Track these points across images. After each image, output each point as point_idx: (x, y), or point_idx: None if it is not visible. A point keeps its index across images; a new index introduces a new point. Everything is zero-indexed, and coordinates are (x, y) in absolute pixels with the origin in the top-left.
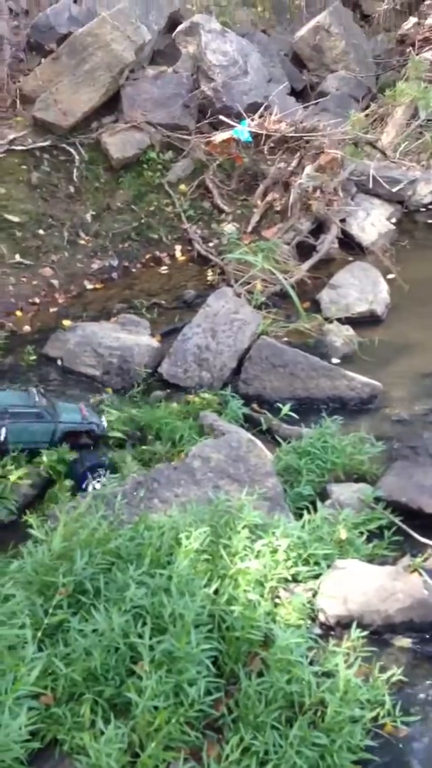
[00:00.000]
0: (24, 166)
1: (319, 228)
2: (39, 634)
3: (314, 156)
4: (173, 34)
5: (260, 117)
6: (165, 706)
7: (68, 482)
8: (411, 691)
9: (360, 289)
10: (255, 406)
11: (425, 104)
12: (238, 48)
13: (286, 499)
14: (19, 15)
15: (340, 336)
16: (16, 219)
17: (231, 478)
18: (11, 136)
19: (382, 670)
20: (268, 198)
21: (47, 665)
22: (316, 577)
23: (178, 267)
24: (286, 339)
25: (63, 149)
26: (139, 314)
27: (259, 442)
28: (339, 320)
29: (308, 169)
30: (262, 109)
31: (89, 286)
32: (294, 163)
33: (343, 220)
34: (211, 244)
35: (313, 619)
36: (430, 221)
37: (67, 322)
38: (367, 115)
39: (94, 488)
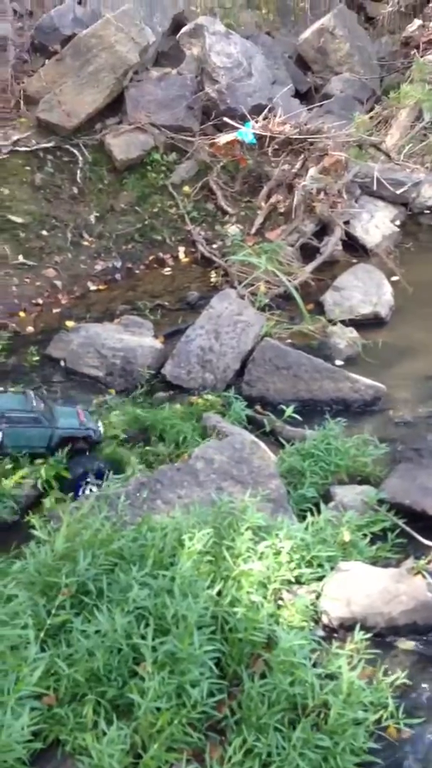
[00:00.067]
0: (28, 167)
1: (323, 230)
2: (42, 634)
3: (318, 158)
4: (177, 36)
5: (264, 119)
6: (167, 707)
7: (59, 495)
8: (414, 694)
9: (364, 291)
10: (258, 407)
11: (429, 106)
12: (242, 50)
13: (290, 500)
14: (24, 16)
15: (344, 338)
16: (19, 220)
17: (234, 480)
18: (15, 137)
19: (386, 672)
20: (272, 200)
21: (50, 666)
22: (320, 579)
23: (181, 268)
24: (289, 341)
25: (67, 150)
26: (142, 315)
27: (262, 444)
28: (343, 322)
29: (312, 171)
30: (266, 111)
31: (92, 287)
32: (298, 165)
33: (347, 222)
34: (214, 246)
35: (317, 621)
36: None
37: (70, 323)
38: (371, 117)
39: (89, 493)
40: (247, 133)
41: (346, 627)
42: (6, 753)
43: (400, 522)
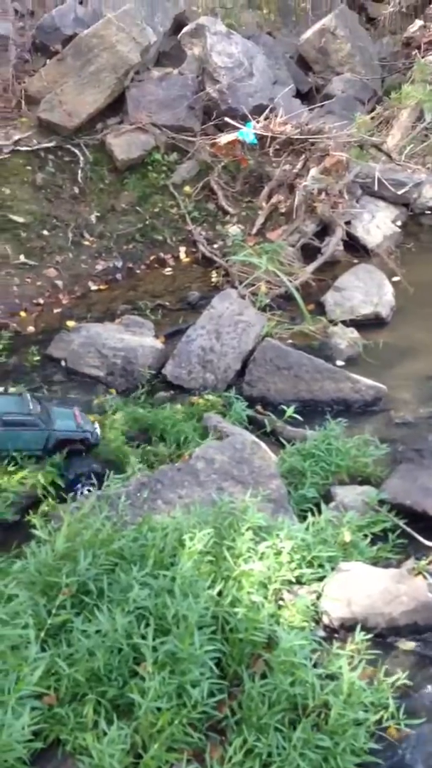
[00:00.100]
0: (29, 167)
1: (324, 230)
2: (42, 634)
3: (319, 158)
4: (179, 36)
5: (265, 119)
6: (168, 707)
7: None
8: (415, 694)
9: (365, 291)
10: (259, 407)
11: (431, 107)
12: (243, 50)
13: (290, 501)
14: (25, 16)
15: (345, 338)
16: (20, 219)
17: (235, 480)
18: (16, 137)
19: (386, 673)
20: (273, 200)
21: (50, 665)
22: (320, 579)
23: (182, 268)
24: (290, 341)
25: (68, 150)
26: (143, 315)
27: (263, 444)
28: (343, 322)
29: (313, 171)
30: (267, 111)
31: (93, 287)
32: (299, 166)
33: (348, 223)
34: (215, 246)
35: (317, 622)
36: None
37: (71, 323)
38: (372, 118)
39: (84, 495)
40: (248, 133)
41: (347, 627)
42: (6, 752)
43: (401, 522)
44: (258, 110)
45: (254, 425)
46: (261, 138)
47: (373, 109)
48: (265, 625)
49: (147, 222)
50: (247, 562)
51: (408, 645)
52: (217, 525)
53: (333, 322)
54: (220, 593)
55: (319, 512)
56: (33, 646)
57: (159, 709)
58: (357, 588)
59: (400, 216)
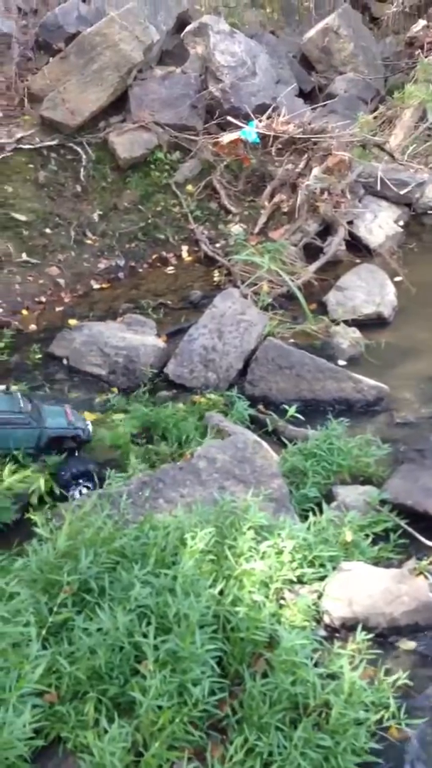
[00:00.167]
0: (31, 165)
1: (327, 230)
2: (43, 632)
3: (322, 158)
4: (182, 35)
5: (268, 118)
6: (169, 705)
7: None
8: (416, 694)
9: (367, 291)
10: (261, 407)
11: None
12: (246, 49)
13: (292, 500)
14: (28, 14)
15: (347, 338)
16: (23, 218)
17: (236, 479)
18: (19, 135)
19: (387, 672)
20: (276, 199)
21: (51, 663)
22: (322, 579)
23: (184, 267)
24: (292, 340)
25: (70, 148)
26: (145, 314)
27: (264, 444)
28: (346, 322)
29: (316, 170)
30: (270, 110)
31: (96, 286)
32: (302, 165)
33: (350, 222)
34: (217, 245)
35: (318, 621)
36: None
37: (73, 322)
38: (375, 118)
39: (81, 495)
40: (250, 132)
41: (348, 627)
42: (7, 750)
43: (403, 522)
44: (261, 109)
45: (256, 424)
46: (263, 137)
47: (375, 109)
48: (267, 624)
49: (149, 221)
50: (249, 562)
51: (409, 645)
52: (218, 524)
53: (335, 322)
54: (221, 592)
55: (321, 512)
56: (34, 643)
57: (160, 707)
58: (358, 588)
59: (402, 216)
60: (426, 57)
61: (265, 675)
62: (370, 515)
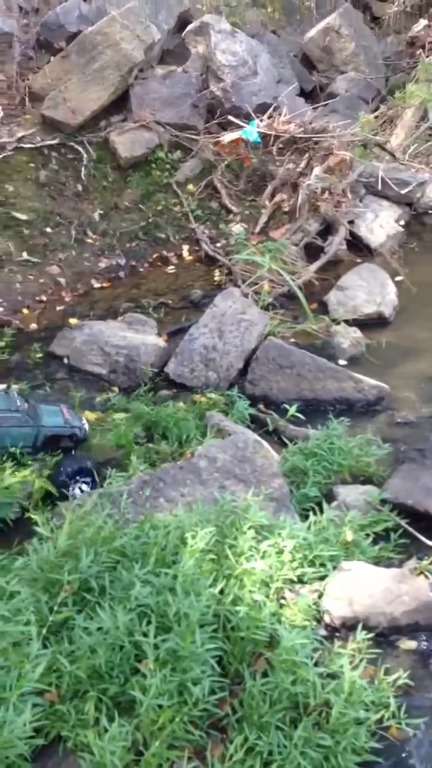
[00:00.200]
0: (32, 164)
1: (327, 229)
2: (44, 631)
3: (323, 157)
4: (183, 34)
5: (269, 118)
6: (169, 704)
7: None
8: (416, 694)
9: (368, 290)
10: (261, 406)
11: None
12: (247, 48)
13: (292, 500)
14: (29, 13)
15: (348, 338)
16: (23, 217)
17: (237, 479)
18: (20, 134)
19: (388, 672)
20: (277, 199)
21: (52, 662)
22: (322, 578)
23: (185, 267)
24: (293, 340)
25: (71, 148)
26: (146, 313)
27: (265, 443)
28: (346, 322)
29: (317, 170)
30: (271, 109)
31: (96, 285)
32: (303, 164)
33: (351, 222)
34: (218, 245)
35: (319, 621)
36: None
37: (73, 321)
38: (376, 117)
39: (77, 493)
40: (251, 131)
41: (348, 626)
42: (8, 749)
43: (403, 522)
44: (262, 109)
45: (256, 424)
46: (264, 136)
47: (377, 109)
48: (267, 623)
49: (150, 220)
50: (249, 561)
51: (409, 644)
52: (219, 523)
53: (336, 322)
54: (221, 591)
55: (321, 511)
56: (35, 643)
57: (160, 706)
58: (358, 587)
59: (403, 215)
60: (427, 56)
61: (265, 674)
62: (370, 515)
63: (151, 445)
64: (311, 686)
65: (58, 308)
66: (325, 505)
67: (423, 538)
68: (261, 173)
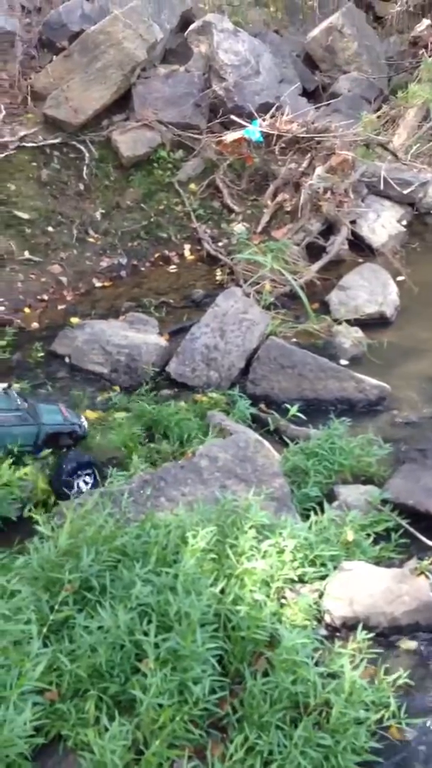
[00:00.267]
0: (34, 163)
1: (329, 229)
2: (44, 630)
3: (325, 157)
4: (185, 33)
5: (272, 117)
6: (169, 703)
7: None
8: (417, 694)
9: (369, 290)
10: (263, 406)
11: None
12: (250, 48)
13: (293, 499)
14: (32, 12)
15: (349, 337)
16: (25, 216)
17: (238, 478)
18: (22, 133)
19: (388, 672)
20: (279, 198)
21: (52, 661)
22: (323, 578)
23: (187, 266)
24: (294, 340)
25: (73, 147)
26: (147, 313)
27: (266, 443)
28: (348, 322)
29: (319, 170)
30: (273, 109)
31: (98, 284)
32: (305, 164)
33: (353, 222)
34: (220, 244)
35: (319, 620)
36: None
37: (75, 320)
38: (378, 117)
39: (80, 488)
40: (254, 131)
41: (349, 626)
42: (8, 748)
43: (404, 522)
44: (264, 108)
45: (258, 423)
46: (267, 136)
47: (379, 108)
48: (267, 623)
49: (152, 219)
50: (250, 561)
51: (409, 644)
52: (220, 523)
53: (337, 321)
54: (222, 591)
55: (322, 511)
56: (35, 641)
57: (160, 705)
58: (359, 587)
59: (405, 215)
60: (430, 56)
61: (265, 674)
62: (371, 515)
63: (152, 444)
64: (311, 686)
65: (59, 307)
66: (326, 505)
67: (423, 539)
68: (263, 173)
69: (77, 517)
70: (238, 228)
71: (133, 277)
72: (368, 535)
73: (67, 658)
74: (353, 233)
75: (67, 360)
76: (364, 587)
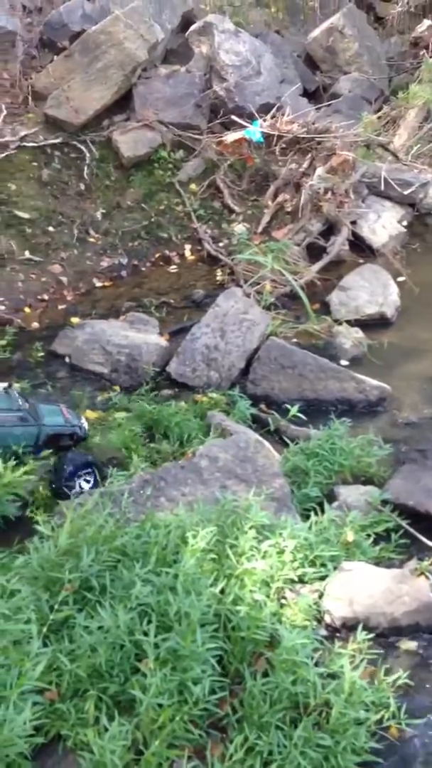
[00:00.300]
0: (35, 163)
1: (330, 230)
2: (44, 629)
3: (326, 157)
4: (186, 34)
5: (272, 118)
6: (169, 703)
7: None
8: (416, 694)
9: (370, 291)
10: (263, 406)
11: None
12: (251, 48)
13: (294, 500)
14: (33, 12)
15: (350, 338)
16: (26, 215)
17: (238, 478)
18: (23, 133)
19: (388, 672)
20: (279, 199)
21: (52, 661)
22: (323, 578)
23: (187, 266)
24: (295, 340)
25: (74, 147)
26: (147, 313)
27: (266, 443)
28: (348, 322)
29: (320, 170)
30: (274, 109)
31: (98, 284)
32: (305, 165)
33: (353, 222)
34: (221, 244)
35: (319, 621)
36: None
37: (75, 320)
38: (379, 118)
39: (82, 488)
40: (254, 131)
41: (349, 627)
42: (8, 747)
43: (404, 523)
44: (265, 109)
45: (258, 424)
46: (267, 136)
47: (380, 109)
48: (267, 623)
49: (152, 219)
50: (250, 561)
51: (409, 645)
52: (220, 523)
53: (338, 322)
54: (222, 591)
55: (322, 511)
56: (35, 641)
57: (160, 705)
58: (359, 587)
59: (405, 216)
60: (431, 57)
61: (265, 674)
62: (371, 515)
63: (152, 444)
64: (311, 686)
65: (59, 307)
66: (326, 506)
67: (424, 539)
68: (264, 173)
69: (77, 517)
70: (239, 228)
71: (133, 277)
72: (368, 535)
73: (66, 657)
74: (354, 234)
75: (67, 360)
76: (364, 588)
